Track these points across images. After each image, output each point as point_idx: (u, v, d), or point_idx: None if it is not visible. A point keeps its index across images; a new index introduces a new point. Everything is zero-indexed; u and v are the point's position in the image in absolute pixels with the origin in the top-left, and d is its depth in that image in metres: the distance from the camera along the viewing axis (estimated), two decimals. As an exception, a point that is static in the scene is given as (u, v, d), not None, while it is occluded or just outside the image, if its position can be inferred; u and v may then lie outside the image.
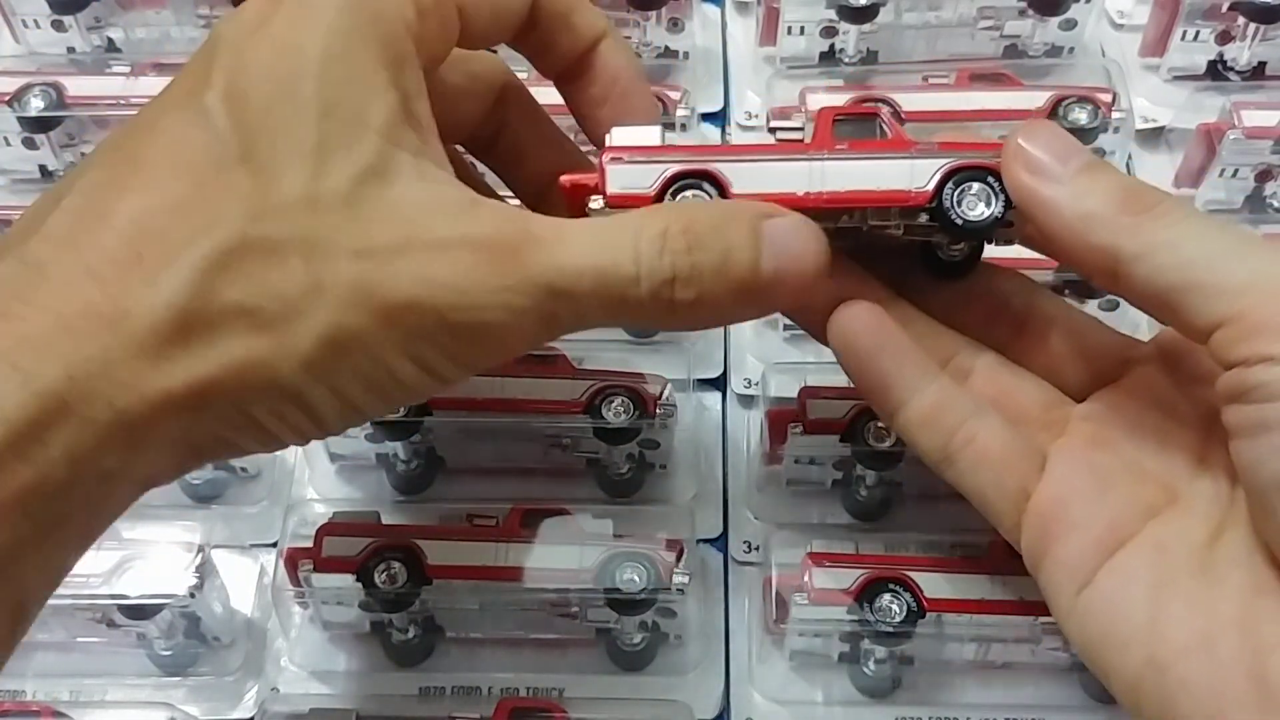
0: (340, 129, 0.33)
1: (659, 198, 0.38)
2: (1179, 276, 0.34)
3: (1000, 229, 0.39)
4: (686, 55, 0.65)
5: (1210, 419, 0.38)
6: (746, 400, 0.56)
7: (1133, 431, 0.40)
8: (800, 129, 0.40)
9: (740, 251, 0.35)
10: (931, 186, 0.38)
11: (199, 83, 0.33)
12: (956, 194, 0.38)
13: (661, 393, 0.51)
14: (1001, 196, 0.38)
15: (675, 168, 0.38)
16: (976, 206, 0.38)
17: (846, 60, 0.64)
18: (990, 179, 0.38)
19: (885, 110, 0.40)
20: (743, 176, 0.38)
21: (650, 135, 0.39)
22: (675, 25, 0.64)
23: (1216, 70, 0.63)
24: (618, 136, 0.39)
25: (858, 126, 0.40)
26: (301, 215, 0.32)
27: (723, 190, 0.38)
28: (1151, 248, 0.34)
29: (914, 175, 0.39)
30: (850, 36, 0.63)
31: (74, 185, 0.33)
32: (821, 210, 0.38)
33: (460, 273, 0.33)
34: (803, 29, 0.63)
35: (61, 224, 0.32)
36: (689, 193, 0.38)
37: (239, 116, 0.33)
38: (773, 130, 0.41)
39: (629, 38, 0.64)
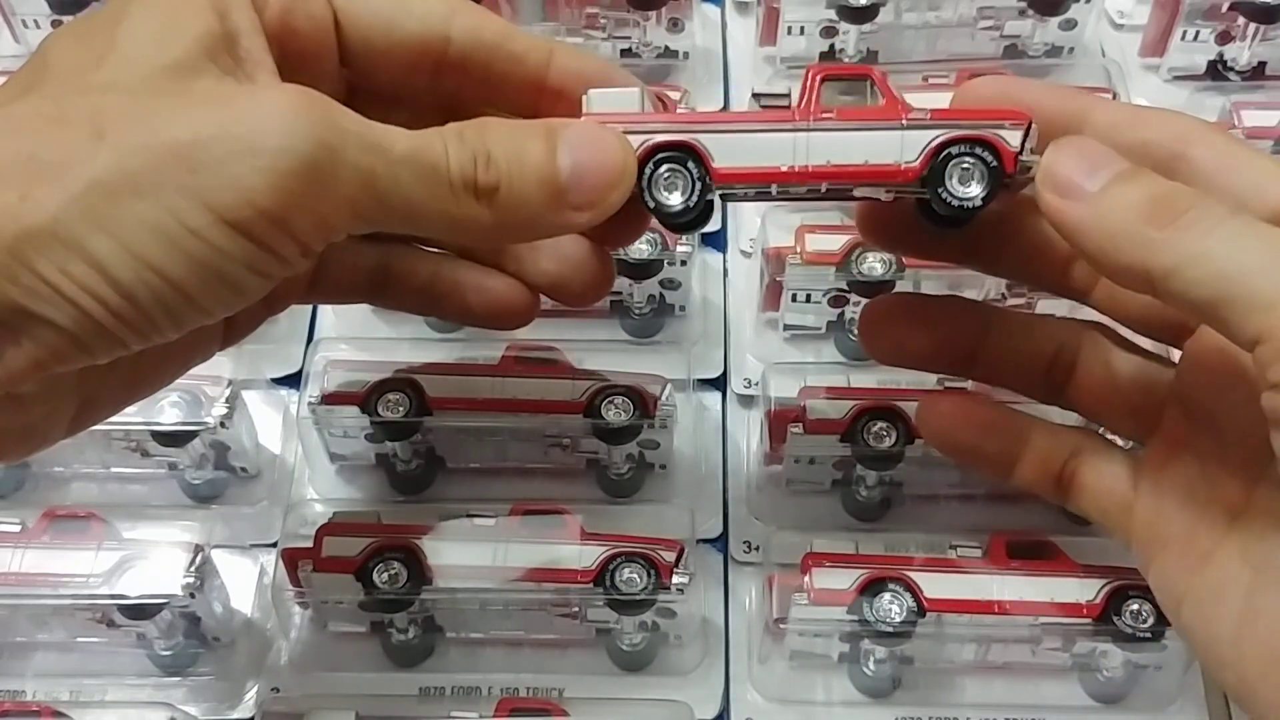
0: (153, 36, 0.34)
1: (640, 170, 0.37)
2: (1212, 291, 0.32)
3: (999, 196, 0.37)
4: (686, 55, 0.65)
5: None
6: (746, 400, 0.56)
7: (1205, 422, 0.38)
8: (786, 95, 0.38)
9: (535, 147, 0.36)
10: (919, 161, 0.37)
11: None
12: (948, 169, 0.37)
13: (661, 393, 0.51)
14: (989, 174, 0.36)
15: (657, 138, 0.37)
16: (970, 184, 0.37)
17: (846, 60, 0.64)
18: (982, 151, 0.36)
19: (877, 71, 0.38)
20: (725, 149, 0.37)
21: (629, 99, 0.38)
22: (675, 25, 0.64)
23: (1216, 70, 0.63)
24: (596, 102, 0.38)
25: (848, 87, 0.38)
26: (97, 95, 0.33)
27: (704, 164, 0.37)
28: (1181, 262, 0.32)
29: (903, 148, 0.37)
30: (850, 36, 0.63)
31: None
32: (807, 182, 0.37)
33: (263, 106, 0.33)
34: (803, 29, 0.63)
35: None
36: (669, 166, 0.37)
37: (62, 48, 0.35)
38: (756, 97, 0.39)
39: (628, 37, 0.64)
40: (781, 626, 0.47)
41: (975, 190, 0.37)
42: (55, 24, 0.65)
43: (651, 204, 0.38)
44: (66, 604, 0.47)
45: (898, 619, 0.46)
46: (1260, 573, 0.35)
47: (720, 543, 0.52)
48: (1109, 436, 0.43)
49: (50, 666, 0.50)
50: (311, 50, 0.38)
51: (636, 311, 0.56)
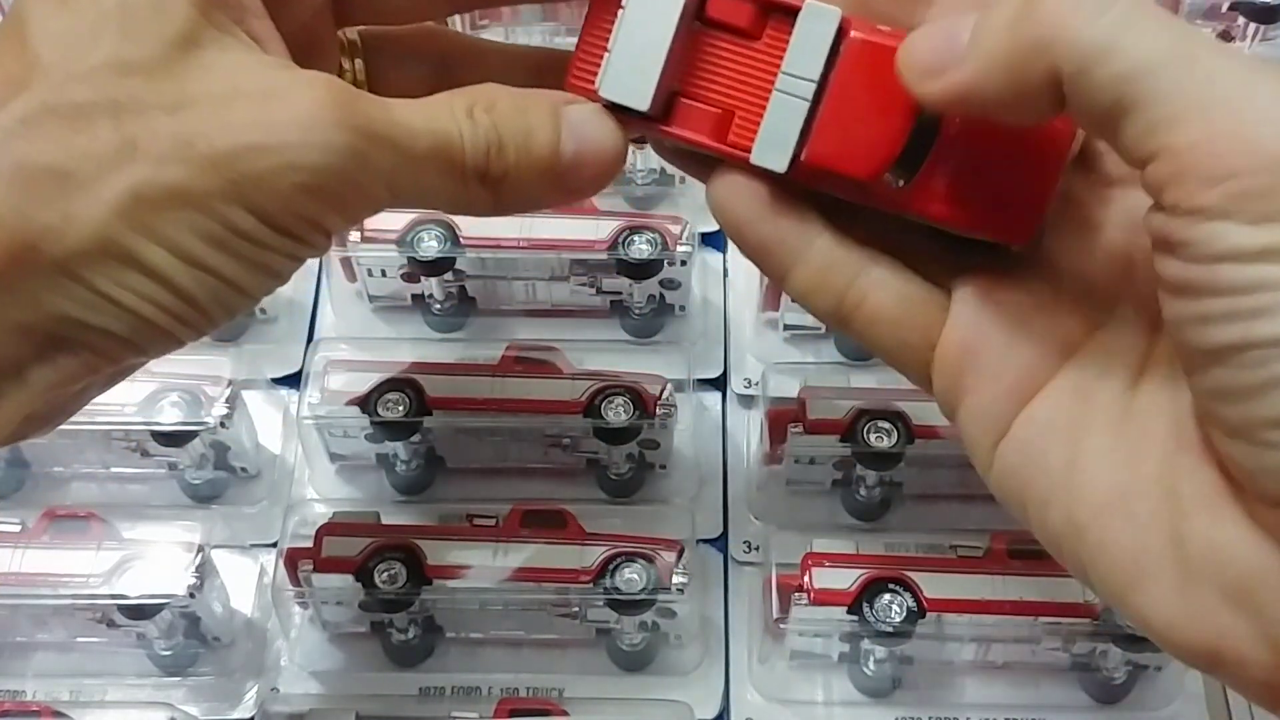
0: (146, 3, 0.33)
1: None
2: (1116, 92, 0.28)
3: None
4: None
5: (1134, 231, 0.34)
6: (746, 400, 0.56)
7: (1044, 257, 0.36)
8: None
9: (541, 131, 0.36)
10: None
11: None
12: None
13: (661, 393, 0.51)
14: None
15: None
16: None
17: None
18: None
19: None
20: None
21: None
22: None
23: (1216, 70, 0.63)
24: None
25: None
26: (108, 80, 0.32)
27: None
28: (1091, 56, 0.28)
29: None
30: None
31: None
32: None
33: (295, 114, 0.32)
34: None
35: None
36: None
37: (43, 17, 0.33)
38: None
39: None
40: (781, 626, 0.47)
41: None
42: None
43: None
44: (66, 604, 0.47)
45: (898, 619, 0.46)
46: (1096, 411, 0.33)
47: (720, 543, 0.52)
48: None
49: (50, 666, 0.50)
50: None
51: (636, 311, 0.56)
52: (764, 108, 0.36)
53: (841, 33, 0.35)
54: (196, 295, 0.32)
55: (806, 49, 0.36)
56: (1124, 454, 0.33)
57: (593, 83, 0.37)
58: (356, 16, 0.41)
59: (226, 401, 0.51)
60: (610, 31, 0.36)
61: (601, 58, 0.36)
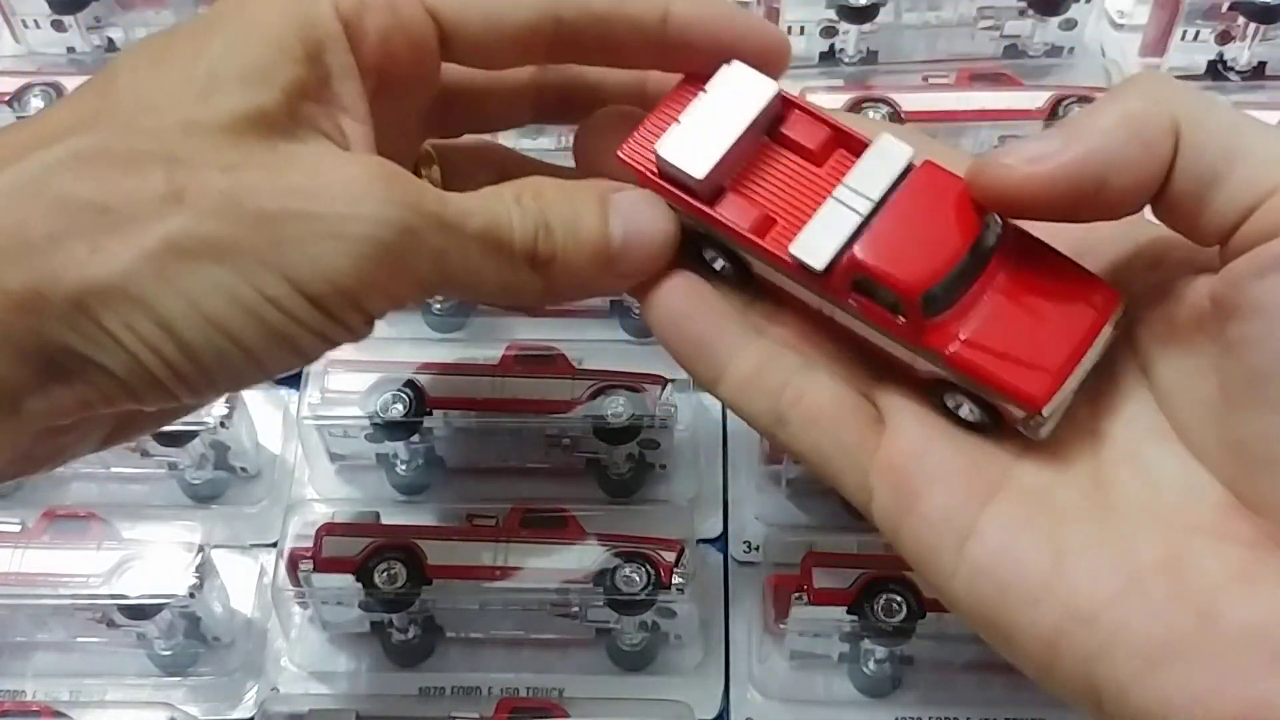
0: (237, 74, 0.32)
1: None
2: (1228, 141, 0.31)
3: None
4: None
5: None
6: (746, 400, 0.56)
7: None
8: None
9: (589, 217, 0.36)
10: None
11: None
12: None
13: (661, 393, 0.51)
14: None
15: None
16: None
17: (846, 60, 0.64)
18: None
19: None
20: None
21: (760, 90, 0.36)
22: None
23: (1216, 70, 0.63)
24: (725, 74, 0.36)
25: None
26: (171, 135, 0.31)
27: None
28: (1206, 106, 0.32)
29: None
30: (850, 36, 0.63)
31: None
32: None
33: (347, 185, 0.32)
34: (803, 29, 0.63)
35: None
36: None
37: (135, 69, 0.33)
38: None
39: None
40: (781, 626, 0.47)
41: None
42: (55, 24, 0.64)
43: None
44: (66, 604, 0.47)
45: (898, 619, 0.46)
46: (1067, 501, 0.33)
47: (720, 543, 0.52)
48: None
49: (50, 666, 0.50)
50: (412, 71, 0.37)
51: (636, 311, 0.56)
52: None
53: (909, 168, 0.35)
54: (203, 354, 0.31)
55: (871, 171, 0.35)
56: (1116, 541, 0.33)
57: (643, 155, 0.37)
58: (452, 125, 0.42)
59: (226, 401, 0.51)
60: (682, 109, 0.37)
61: (664, 133, 0.36)
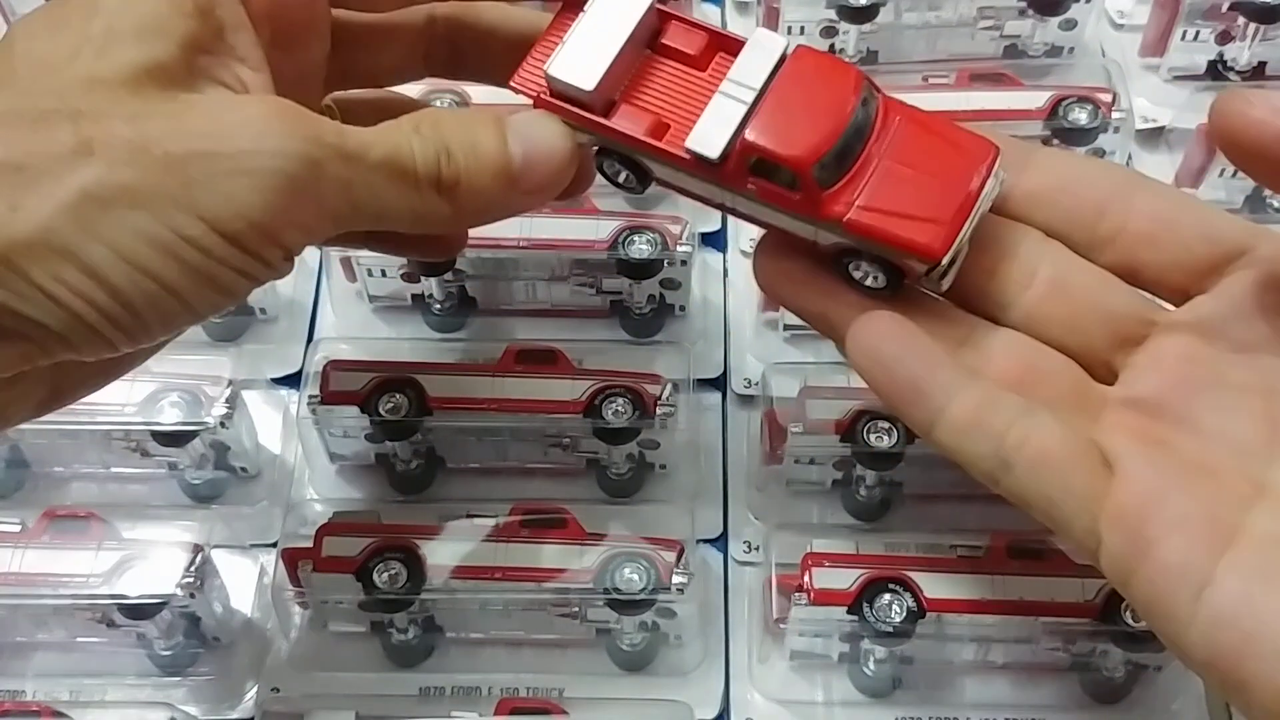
0: (133, 30, 0.33)
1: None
2: None
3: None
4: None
5: (1271, 387, 0.34)
6: (746, 400, 0.56)
7: (1185, 418, 0.36)
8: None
9: (488, 139, 0.37)
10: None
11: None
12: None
13: (661, 393, 0.51)
14: None
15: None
16: None
17: (846, 60, 0.64)
18: None
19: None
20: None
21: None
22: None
23: (1216, 70, 0.63)
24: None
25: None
26: (74, 92, 0.32)
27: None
28: None
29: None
30: (850, 36, 0.63)
31: None
32: None
33: (248, 123, 0.33)
34: (803, 29, 0.63)
35: None
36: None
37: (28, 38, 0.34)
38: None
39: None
40: (781, 626, 0.47)
41: None
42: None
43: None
44: (66, 604, 0.47)
45: (898, 619, 0.46)
46: None
47: (720, 543, 0.52)
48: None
49: (50, 666, 0.50)
50: (302, 15, 0.39)
51: (636, 311, 0.56)
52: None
53: (784, 57, 0.37)
54: (133, 299, 0.32)
55: (751, 63, 0.37)
56: None
57: (535, 79, 0.38)
58: (350, 80, 0.43)
59: (226, 401, 0.51)
60: (565, 32, 0.38)
61: (551, 55, 0.38)
